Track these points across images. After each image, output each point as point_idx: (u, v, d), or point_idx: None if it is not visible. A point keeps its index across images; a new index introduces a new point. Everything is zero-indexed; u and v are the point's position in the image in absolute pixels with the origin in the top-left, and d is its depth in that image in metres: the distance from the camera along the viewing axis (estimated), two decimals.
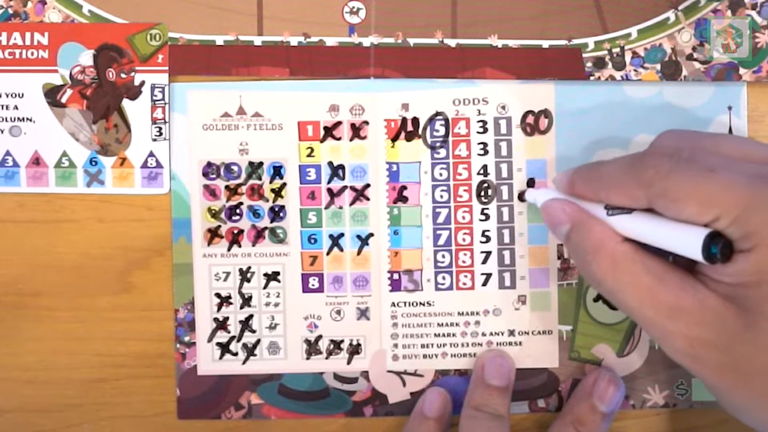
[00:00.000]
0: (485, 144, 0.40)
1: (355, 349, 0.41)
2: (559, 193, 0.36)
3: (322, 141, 0.40)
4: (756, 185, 0.28)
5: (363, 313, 0.41)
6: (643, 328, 0.32)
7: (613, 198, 0.33)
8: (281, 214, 0.40)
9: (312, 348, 0.41)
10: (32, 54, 0.40)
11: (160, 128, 0.40)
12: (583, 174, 0.35)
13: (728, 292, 0.29)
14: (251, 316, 0.41)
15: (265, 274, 0.41)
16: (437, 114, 0.40)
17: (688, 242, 0.29)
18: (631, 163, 0.32)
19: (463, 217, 0.40)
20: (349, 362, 0.41)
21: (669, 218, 0.31)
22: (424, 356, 0.41)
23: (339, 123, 0.40)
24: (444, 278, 0.40)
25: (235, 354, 0.41)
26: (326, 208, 0.40)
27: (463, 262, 0.40)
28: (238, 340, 0.41)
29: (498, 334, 0.41)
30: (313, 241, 0.40)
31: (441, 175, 0.40)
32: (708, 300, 0.30)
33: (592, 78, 0.40)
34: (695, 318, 0.30)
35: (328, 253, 0.40)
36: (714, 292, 0.30)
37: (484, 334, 0.41)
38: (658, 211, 0.31)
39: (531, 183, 0.40)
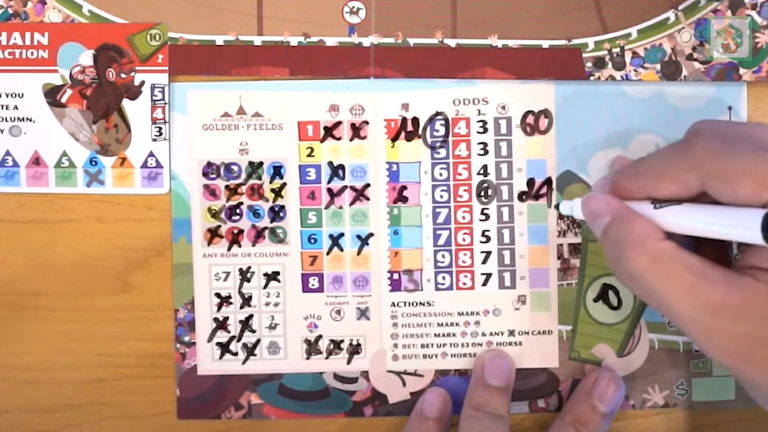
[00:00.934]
0: (485, 144, 0.40)
1: (355, 349, 0.41)
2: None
3: (322, 141, 0.40)
4: None
5: (363, 313, 0.41)
6: (681, 327, 0.31)
7: (662, 187, 0.31)
8: (281, 214, 0.40)
9: (312, 348, 0.41)
10: (32, 54, 0.40)
11: (160, 128, 0.40)
12: (627, 171, 0.34)
13: None
14: (251, 316, 0.41)
15: (265, 274, 0.41)
16: (437, 114, 0.40)
17: (746, 224, 0.28)
18: (679, 148, 0.31)
19: (463, 217, 0.40)
20: (349, 362, 0.41)
21: (722, 204, 0.30)
22: (424, 356, 0.41)
23: (339, 123, 0.40)
24: (444, 278, 0.40)
25: (235, 354, 0.41)
26: (326, 208, 0.40)
27: (463, 262, 0.40)
28: (238, 340, 0.41)
29: (498, 334, 0.41)
30: (313, 241, 0.40)
31: (441, 175, 0.40)
32: (757, 293, 0.29)
33: (592, 78, 0.40)
34: (742, 313, 0.29)
35: (328, 253, 0.40)
36: (764, 283, 0.29)
37: (484, 334, 0.41)
38: (712, 195, 0.30)
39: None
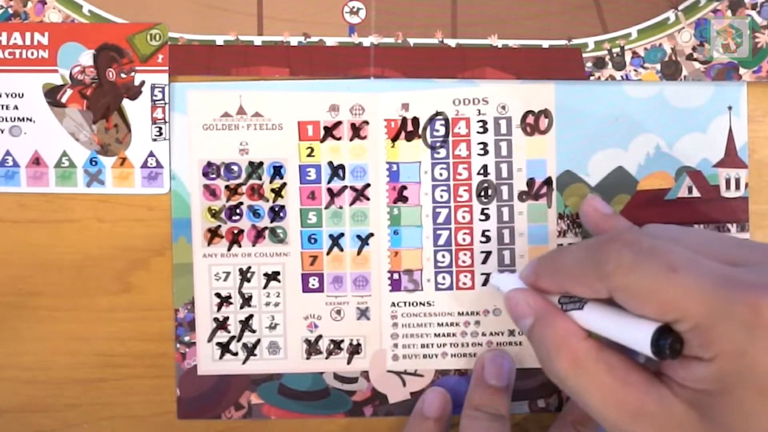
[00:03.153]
0: (485, 144, 0.40)
1: (355, 349, 0.41)
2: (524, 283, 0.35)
3: (322, 141, 0.40)
4: (719, 290, 0.27)
5: (363, 313, 0.41)
6: (606, 429, 0.31)
7: (576, 290, 0.32)
8: (281, 214, 0.40)
9: (312, 348, 0.41)
10: (32, 54, 0.40)
11: (160, 128, 0.40)
12: (546, 266, 0.34)
13: (692, 398, 0.28)
14: (251, 316, 0.41)
15: (265, 274, 0.41)
16: (437, 114, 0.40)
17: (638, 336, 0.29)
18: (591, 254, 0.31)
19: (463, 217, 0.40)
20: (349, 362, 0.41)
21: (623, 311, 0.30)
22: (424, 356, 0.41)
23: (339, 123, 0.40)
24: (444, 278, 0.40)
25: (235, 354, 0.41)
26: (326, 208, 0.40)
27: (463, 262, 0.40)
28: (238, 340, 0.41)
29: (498, 334, 0.41)
30: (313, 241, 0.40)
31: (441, 175, 0.40)
32: (672, 405, 0.29)
33: (592, 78, 0.40)
34: (658, 423, 0.29)
35: (328, 253, 0.40)
36: (678, 397, 0.29)
37: (484, 334, 0.41)
38: (619, 303, 0.30)
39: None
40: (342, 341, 0.41)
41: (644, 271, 0.29)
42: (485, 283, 0.40)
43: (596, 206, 0.37)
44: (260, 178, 0.40)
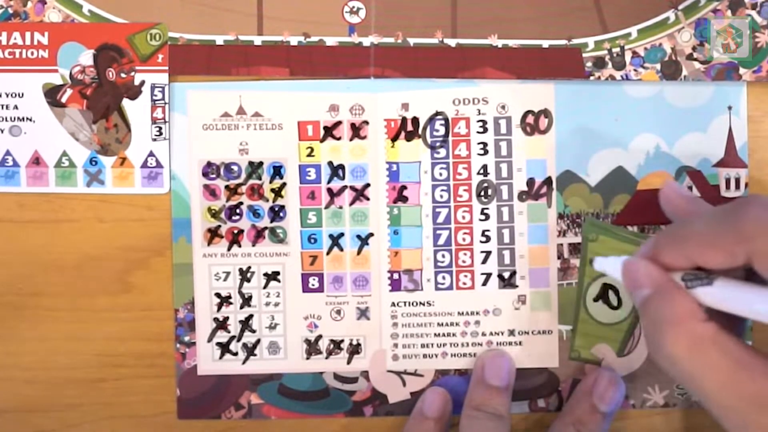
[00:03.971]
0: (485, 144, 0.40)
1: (355, 349, 0.41)
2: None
3: (322, 141, 0.40)
4: None
5: (363, 313, 0.41)
6: (716, 415, 0.29)
7: (708, 258, 0.29)
8: (281, 214, 0.40)
9: (312, 348, 0.41)
10: (32, 54, 0.40)
11: (160, 128, 0.40)
12: (669, 236, 0.31)
13: None
14: (251, 316, 0.41)
15: (265, 274, 0.41)
16: (437, 114, 0.40)
17: None
18: (726, 218, 0.28)
19: (463, 217, 0.40)
20: (349, 362, 0.41)
21: (760, 285, 0.28)
22: (424, 356, 0.41)
23: (339, 123, 0.40)
24: (444, 278, 0.40)
25: (235, 354, 0.41)
26: (326, 207, 0.40)
27: (463, 261, 0.40)
28: (238, 340, 0.41)
29: (498, 334, 0.41)
30: (313, 240, 0.40)
31: (441, 174, 0.40)
32: None
33: (592, 78, 0.40)
34: None
35: (328, 253, 0.40)
36: None
37: (484, 334, 0.41)
38: (758, 271, 0.28)
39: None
40: (342, 341, 0.41)
41: None
42: (485, 282, 0.40)
43: (677, 190, 0.35)
44: (260, 178, 0.40)
